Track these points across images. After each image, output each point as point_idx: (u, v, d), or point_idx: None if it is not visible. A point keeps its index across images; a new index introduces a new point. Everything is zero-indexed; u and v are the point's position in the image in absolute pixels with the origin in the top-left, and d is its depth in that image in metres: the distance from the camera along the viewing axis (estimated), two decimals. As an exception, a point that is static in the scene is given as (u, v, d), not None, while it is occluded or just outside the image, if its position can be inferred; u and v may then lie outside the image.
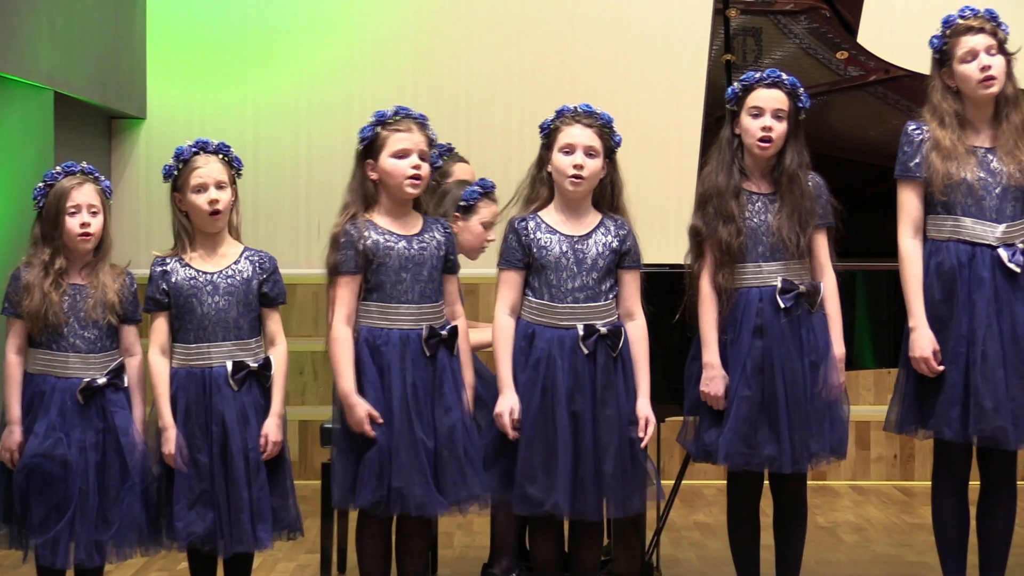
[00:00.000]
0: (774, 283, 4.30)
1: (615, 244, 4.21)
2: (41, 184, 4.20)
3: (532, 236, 4.20)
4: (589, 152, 4.18)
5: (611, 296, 4.21)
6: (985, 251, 4.27)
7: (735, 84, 4.38)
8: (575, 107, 4.23)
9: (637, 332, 4.22)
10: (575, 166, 4.17)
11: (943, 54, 4.34)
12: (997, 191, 4.29)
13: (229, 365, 4.15)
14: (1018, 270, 4.25)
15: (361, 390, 4.10)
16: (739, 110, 4.35)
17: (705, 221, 4.34)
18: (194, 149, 4.22)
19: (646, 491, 4.23)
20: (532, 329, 4.18)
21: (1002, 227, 4.28)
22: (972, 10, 4.33)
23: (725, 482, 4.54)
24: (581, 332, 4.13)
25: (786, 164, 4.32)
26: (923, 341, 4.27)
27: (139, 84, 7.27)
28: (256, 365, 4.18)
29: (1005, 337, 4.23)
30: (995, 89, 4.28)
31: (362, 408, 4.08)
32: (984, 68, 4.26)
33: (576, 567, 4.32)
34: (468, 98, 7.36)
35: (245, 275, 4.21)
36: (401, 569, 4.25)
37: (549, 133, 4.23)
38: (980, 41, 4.28)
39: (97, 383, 4.13)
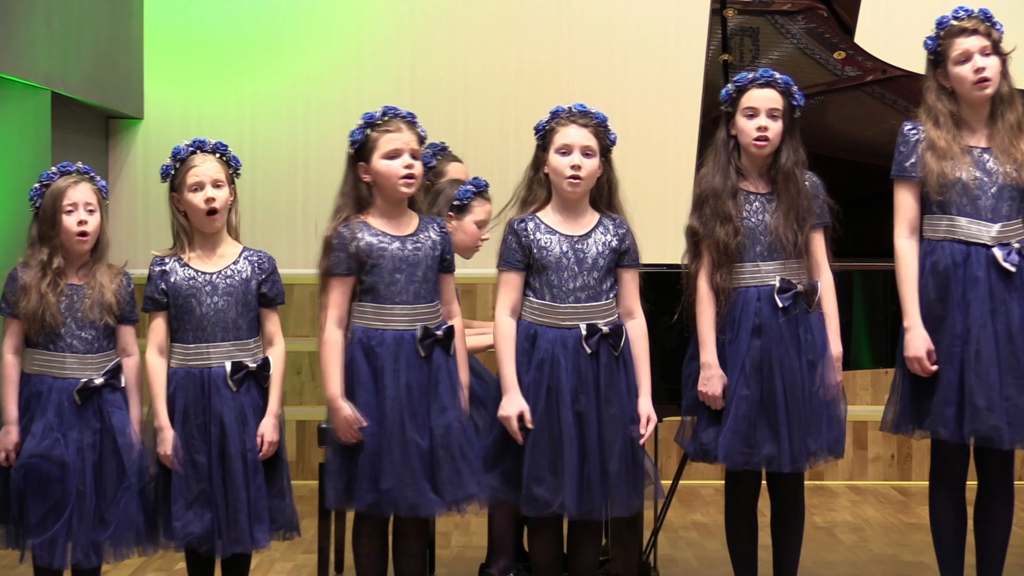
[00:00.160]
0: (772, 282, 4.30)
1: (614, 243, 4.22)
2: (37, 184, 4.20)
3: (532, 237, 4.20)
4: (586, 152, 4.18)
5: (612, 295, 4.21)
6: (980, 250, 4.27)
7: (728, 86, 4.38)
8: (569, 107, 4.23)
9: (637, 331, 4.23)
10: (573, 167, 4.17)
11: (937, 55, 4.34)
12: (993, 191, 4.29)
13: (228, 366, 4.15)
14: (1013, 269, 4.25)
15: (354, 391, 4.11)
16: (734, 111, 4.35)
17: (702, 222, 4.34)
18: (191, 148, 4.22)
19: (644, 490, 4.24)
20: (534, 330, 4.18)
21: (997, 226, 4.28)
22: (966, 11, 4.32)
23: (722, 482, 4.54)
24: (584, 331, 4.14)
25: (782, 162, 4.32)
26: (917, 341, 4.28)
27: (136, 84, 7.27)
28: (255, 366, 4.18)
29: (1000, 336, 4.23)
30: (990, 91, 4.29)
31: (345, 413, 4.09)
32: (978, 70, 4.27)
33: (576, 567, 4.32)
34: (465, 98, 7.36)
35: (244, 275, 4.21)
36: (398, 569, 4.25)
37: (544, 134, 4.23)
38: (974, 43, 4.28)
39: (94, 383, 4.13)
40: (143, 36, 7.31)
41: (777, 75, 4.35)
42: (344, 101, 7.11)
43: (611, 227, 4.23)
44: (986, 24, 4.30)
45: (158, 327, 4.19)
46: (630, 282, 4.25)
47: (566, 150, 4.18)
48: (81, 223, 4.14)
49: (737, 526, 4.47)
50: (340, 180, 4.28)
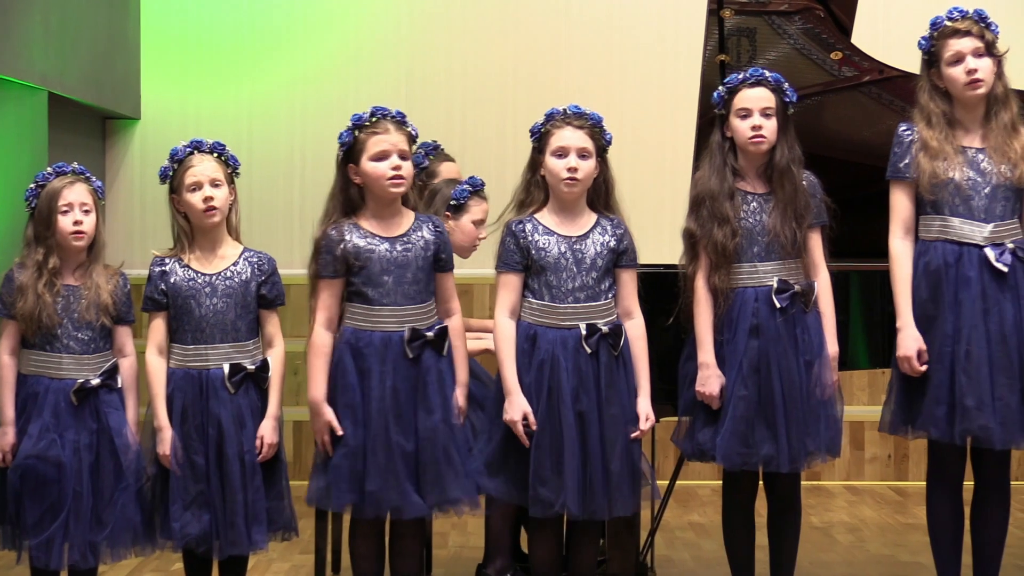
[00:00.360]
0: (770, 283, 4.30)
1: (612, 243, 4.22)
2: (33, 185, 4.20)
3: (530, 238, 4.20)
4: (582, 154, 4.18)
5: (610, 295, 4.21)
6: (973, 251, 4.27)
7: (719, 88, 4.38)
8: (564, 109, 4.23)
9: (636, 331, 4.23)
10: (569, 169, 4.17)
11: (931, 55, 4.35)
12: (986, 191, 4.29)
13: (226, 367, 4.15)
14: (1005, 269, 4.25)
15: (341, 392, 4.12)
16: (727, 113, 4.35)
17: (699, 224, 4.34)
18: (188, 149, 4.21)
19: (641, 491, 4.24)
20: (534, 331, 4.17)
21: (990, 227, 4.28)
22: (960, 11, 4.32)
23: (719, 482, 4.54)
24: (584, 331, 4.14)
25: (777, 159, 4.32)
26: (908, 341, 4.28)
27: (133, 84, 7.27)
28: (253, 368, 4.18)
29: (992, 336, 4.23)
30: (982, 92, 4.29)
31: (324, 418, 4.11)
32: (970, 71, 4.26)
33: (575, 568, 4.32)
34: (462, 98, 7.36)
35: (244, 277, 4.21)
36: (394, 570, 4.25)
37: (540, 137, 4.23)
38: (967, 44, 4.28)
39: (91, 384, 4.13)
40: (140, 36, 7.31)
41: (767, 73, 4.35)
42: (341, 101, 7.11)
43: (609, 227, 4.24)
44: (980, 25, 4.30)
45: (158, 327, 4.19)
46: (628, 282, 4.25)
47: (562, 152, 4.18)
48: (76, 223, 4.14)
49: (735, 526, 4.47)
50: (334, 182, 4.28)
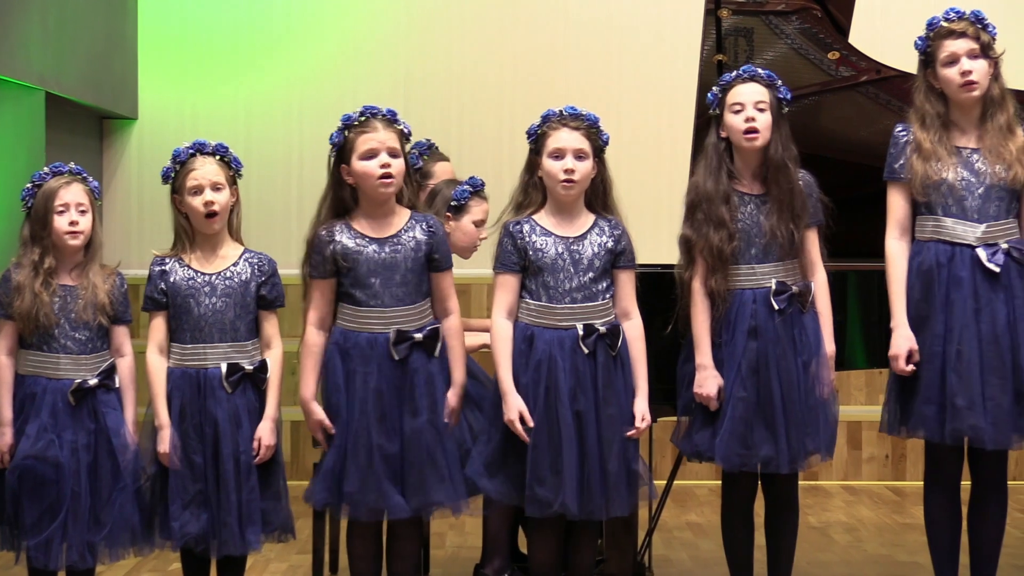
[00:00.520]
0: (767, 284, 4.30)
1: (610, 244, 4.21)
2: (29, 185, 4.20)
3: (527, 239, 4.19)
4: (579, 155, 4.18)
5: (608, 296, 4.21)
6: (965, 251, 4.27)
7: (713, 88, 4.38)
8: (560, 110, 4.23)
9: (634, 331, 4.23)
10: (566, 171, 4.16)
11: (927, 56, 4.35)
12: (980, 191, 4.29)
13: (224, 367, 4.15)
14: (997, 269, 4.25)
15: (328, 392, 4.13)
16: (721, 111, 4.35)
17: (695, 228, 4.33)
18: (191, 151, 4.21)
19: (639, 490, 4.24)
20: (531, 331, 4.17)
21: (983, 227, 4.28)
22: (957, 12, 4.32)
23: (717, 482, 4.55)
24: (581, 332, 4.13)
25: (771, 154, 4.32)
26: (899, 340, 4.29)
27: (131, 84, 7.27)
28: (251, 368, 4.18)
29: (984, 337, 4.23)
30: (976, 94, 4.29)
31: (314, 417, 4.13)
32: (964, 73, 4.26)
33: (573, 568, 4.32)
34: (460, 98, 7.37)
35: (243, 277, 4.21)
36: (391, 571, 4.24)
37: (537, 138, 4.23)
38: (961, 45, 4.28)
39: (88, 384, 4.13)
40: (137, 36, 7.31)
41: (760, 70, 4.36)
42: (339, 102, 7.06)
43: (607, 228, 4.23)
44: (976, 26, 4.29)
45: (158, 326, 4.19)
46: (626, 283, 4.24)
47: (559, 154, 4.18)
48: (72, 223, 4.14)
49: (733, 526, 4.47)
50: (330, 182, 4.28)
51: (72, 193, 4.16)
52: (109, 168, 7.36)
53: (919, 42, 4.36)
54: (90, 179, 4.24)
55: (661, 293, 4.46)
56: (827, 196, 4.42)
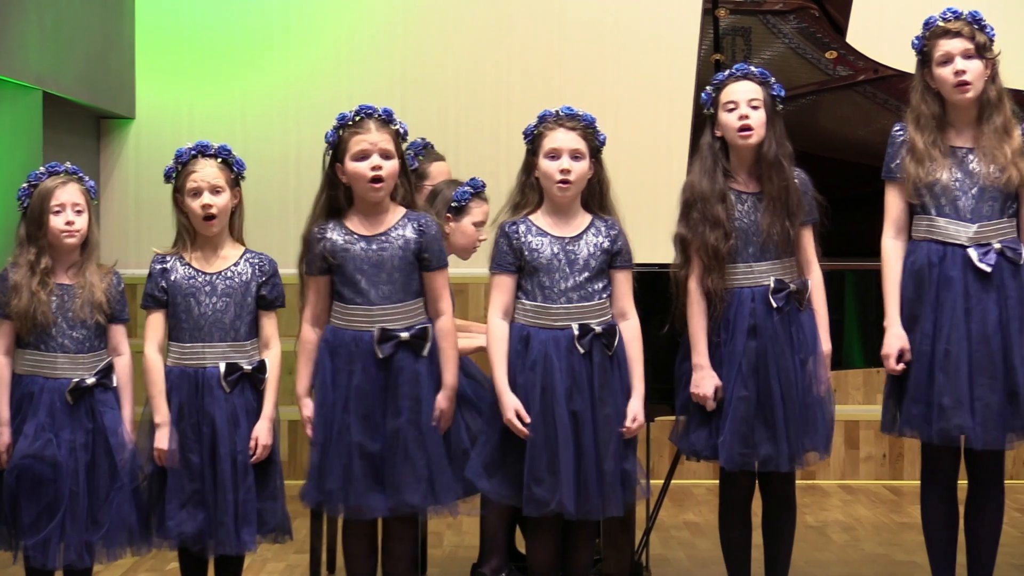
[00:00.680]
0: (766, 283, 4.30)
1: (606, 244, 4.21)
2: (25, 184, 4.20)
3: (523, 239, 4.19)
4: (575, 155, 4.18)
5: (604, 296, 4.20)
6: (957, 251, 4.27)
7: (707, 88, 4.38)
8: (556, 111, 4.22)
9: (631, 332, 4.22)
10: (562, 171, 4.16)
11: (924, 55, 4.35)
12: (973, 191, 4.29)
13: (222, 367, 4.15)
14: (988, 269, 4.25)
15: (317, 389, 4.15)
16: (716, 110, 4.35)
17: (690, 227, 4.33)
18: (193, 151, 4.21)
19: (636, 490, 4.24)
20: (527, 331, 4.17)
21: (975, 227, 4.27)
22: (954, 12, 4.32)
23: (714, 482, 4.55)
24: (576, 331, 4.13)
25: (765, 152, 4.32)
26: (891, 339, 4.30)
27: (128, 84, 7.26)
28: (250, 368, 4.17)
29: (974, 336, 4.23)
30: (970, 95, 4.28)
31: (304, 413, 4.16)
32: (958, 73, 4.26)
33: (571, 567, 4.31)
34: (457, 98, 7.37)
35: (244, 277, 4.21)
36: (385, 571, 4.24)
37: (533, 139, 4.22)
38: (956, 45, 4.28)
39: (86, 383, 4.13)
40: (135, 36, 7.31)
41: (753, 68, 4.36)
42: (335, 101, 7.02)
43: (603, 228, 4.23)
44: (971, 27, 4.29)
45: (157, 324, 4.19)
46: (623, 283, 4.24)
47: (554, 154, 4.18)
48: (68, 223, 4.14)
49: (731, 526, 4.47)
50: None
51: (68, 193, 4.16)
52: (106, 168, 7.36)
53: (916, 41, 4.36)
54: (86, 179, 4.24)
55: (659, 293, 4.46)
56: (825, 195, 4.43)
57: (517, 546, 5.01)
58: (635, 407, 4.18)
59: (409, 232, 4.17)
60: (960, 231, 4.28)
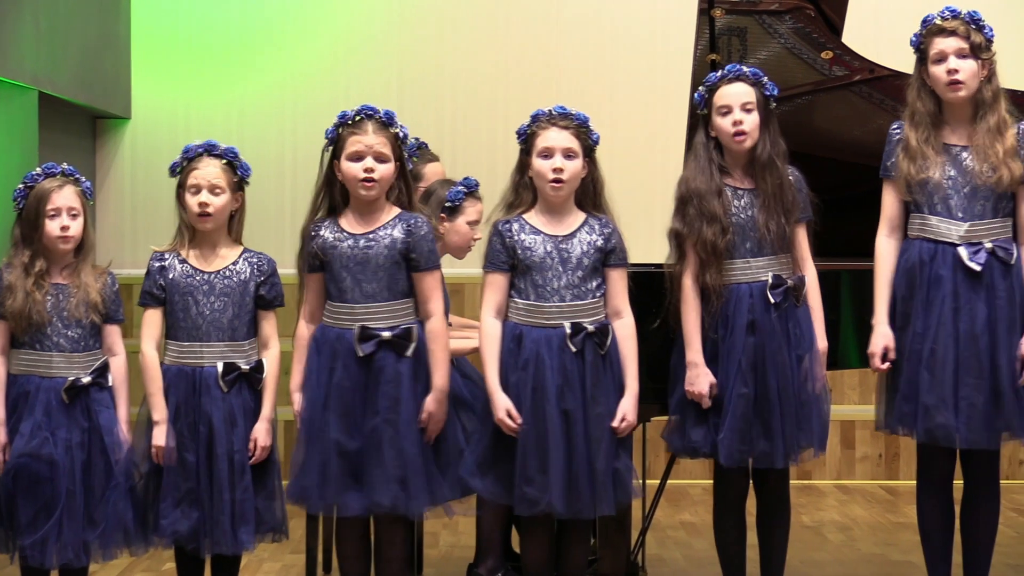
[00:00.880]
0: (763, 278, 4.30)
1: (600, 243, 4.21)
2: (21, 185, 4.20)
3: (516, 238, 4.19)
4: (568, 154, 4.18)
5: (598, 294, 4.20)
6: (947, 249, 4.27)
7: (700, 88, 4.38)
8: (549, 110, 4.23)
9: (625, 330, 4.22)
10: (555, 170, 4.16)
11: (921, 53, 4.35)
12: (966, 190, 4.29)
13: (220, 366, 4.14)
14: (978, 269, 4.25)
15: (304, 387, 4.16)
16: (709, 112, 4.35)
17: (686, 223, 4.33)
18: (200, 150, 4.21)
19: (631, 489, 4.23)
20: (520, 330, 4.17)
21: (966, 225, 4.27)
22: (952, 11, 4.32)
23: (710, 482, 4.54)
24: (568, 330, 4.13)
25: (759, 153, 4.32)
26: (877, 338, 4.31)
27: (124, 84, 7.26)
28: (247, 368, 4.17)
29: (962, 336, 4.23)
30: (962, 94, 4.28)
31: (294, 409, 4.17)
32: (951, 72, 4.26)
33: (565, 567, 4.31)
34: (453, 98, 7.37)
35: (243, 277, 4.21)
36: (378, 572, 4.24)
37: (526, 138, 4.23)
38: (951, 44, 4.28)
39: (81, 382, 4.13)
40: (131, 36, 7.30)
41: (745, 68, 4.36)
42: (332, 101, 7.07)
43: (597, 227, 4.23)
44: (968, 26, 4.29)
45: (154, 321, 4.19)
46: (617, 281, 4.24)
47: (547, 153, 4.18)
48: (64, 228, 4.14)
49: (726, 525, 4.47)
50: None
51: (64, 197, 4.15)
52: (102, 168, 7.35)
53: (914, 38, 4.37)
54: (82, 180, 4.23)
55: (654, 292, 4.46)
56: (821, 195, 4.43)
57: (513, 546, 5.01)
58: (626, 406, 4.18)
59: (397, 232, 4.16)
60: (952, 229, 4.28)
